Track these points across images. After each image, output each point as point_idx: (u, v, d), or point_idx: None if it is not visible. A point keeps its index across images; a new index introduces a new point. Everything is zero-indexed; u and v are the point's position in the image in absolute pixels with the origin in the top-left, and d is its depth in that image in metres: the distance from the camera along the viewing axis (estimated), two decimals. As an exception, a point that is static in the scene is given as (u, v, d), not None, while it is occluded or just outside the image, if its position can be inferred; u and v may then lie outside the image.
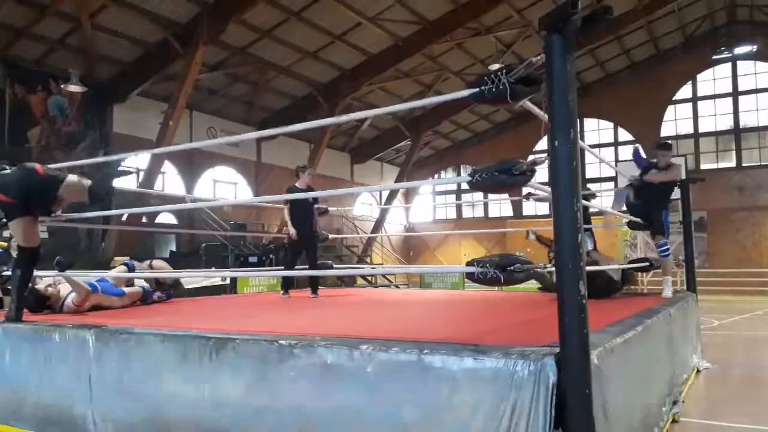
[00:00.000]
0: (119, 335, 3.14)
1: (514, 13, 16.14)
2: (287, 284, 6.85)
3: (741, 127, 21.44)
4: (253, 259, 13.80)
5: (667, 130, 22.33)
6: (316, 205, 7.19)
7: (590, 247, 6.01)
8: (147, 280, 5.21)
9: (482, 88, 2.39)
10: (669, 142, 6.27)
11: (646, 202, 5.79)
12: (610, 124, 23.33)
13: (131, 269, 5.23)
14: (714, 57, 21.36)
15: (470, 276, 2.46)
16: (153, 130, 14.33)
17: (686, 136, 21.84)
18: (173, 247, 16.24)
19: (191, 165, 17.42)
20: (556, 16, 2.13)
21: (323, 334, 2.76)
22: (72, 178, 3.98)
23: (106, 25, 13.17)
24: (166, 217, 15.97)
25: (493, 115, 23.61)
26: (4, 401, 3.48)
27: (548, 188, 2.28)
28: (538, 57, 2.25)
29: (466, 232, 23.66)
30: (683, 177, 6.54)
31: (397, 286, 18.51)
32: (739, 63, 21.42)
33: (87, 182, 4.04)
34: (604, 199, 20.43)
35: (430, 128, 22.36)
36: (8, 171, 3.89)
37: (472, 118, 23.48)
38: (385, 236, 24.25)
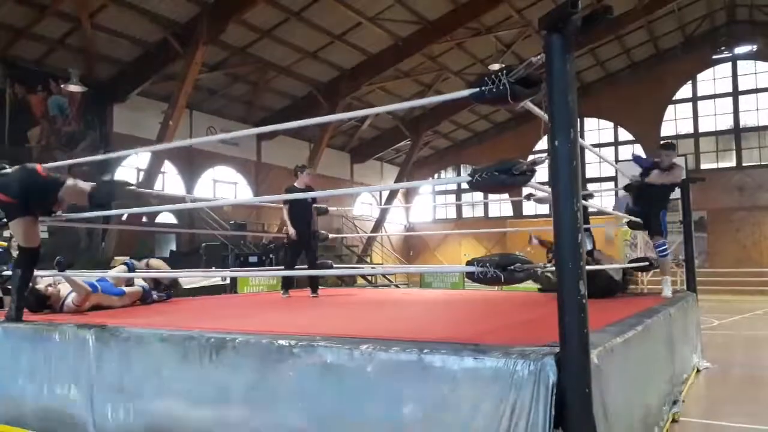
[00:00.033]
0: (119, 335, 3.14)
1: (514, 13, 16.14)
2: (287, 284, 6.85)
3: (741, 126, 21.44)
4: (253, 259, 13.81)
5: (667, 129, 22.34)
6: (316, 205, 7.20)
7: (589, 247, 6.01)
8: (146, 279, 5.21)
9: (482, 88, 2.39)
10: (673, 142, 6.25)
11: (646, 203, 5.78)
12: (610, 124, 23.34)
13: (131, 269, 5.23)
14: (714, 57, 21.36)
15: (470, 275, 2.45)
16: (153, 129, 14.33)
17: (686, 136, 21.84)
18: (173, 247, 16.25)
19: (191, 165, 17.43)
20: (556, 16, 2.13)
21: (323, 334, 2.76)
22: (73, 181, 3.99)
23: (105, 25, 13.18)
24: (166, 217, 15.98)
25: (493, 115, 23.61)
26: (4, 401, 3.49)
27: (548, 188, 2.28)
28: (538, 57, 2.25)
29: (466, 231, 23.67)
30: (683, 177, 6.53)
31: (397, 286, 18.52)
32: (739, 63, 21.42)
33: (87, 188, 4.05)
34: (603, 199, 20.51)
35: (430, 128, 22.37)
36: (8, 170, 3.90)
37: (472, 118, 23.49)
38: (385, 236, 24.25)
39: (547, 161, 2.27)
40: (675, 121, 22.36)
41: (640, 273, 8.39)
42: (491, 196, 19.11)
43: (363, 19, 15.07)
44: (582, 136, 18.79)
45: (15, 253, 5.04)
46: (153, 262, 5.68)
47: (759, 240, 20.56)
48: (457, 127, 23.90)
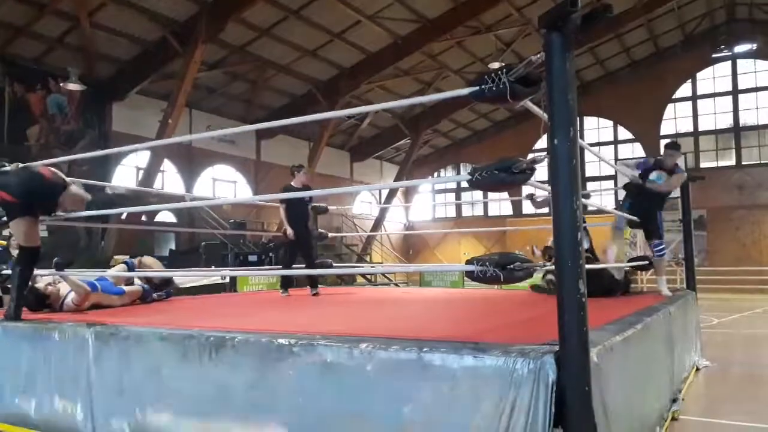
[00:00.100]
0: (119, 334, 3.14)
1: (514, 12, 16.13)
2: (286, 283, 6.86)
3: (741, 125, 21.43)
4: (252, 258, 13.82)
5: (666, 128, 22.35)
6: (315, 204, 7.19)
7: (586, 246, 6.00)
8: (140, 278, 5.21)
9: (482, 86, 2.39)
10: (678, 142, 6.19)
11: (644, 205, 5.73)
12: (610, 123, 23.34)
13: (131, 268, 5.22)
14: (714, 55, 21.36)
15: (470, 274, 2.46)
16: (152, 128, 14.32)
17: (686, 135, 21.82)
18: (173, 246, 16.25)
19: (191, 163, 17.42)
20: (555, 15, 2.13)
21: (323, 333, 2.76)
22: (74, 188, 4.05)
23: (104, 24, 13.16)
24: (165, 216, 15.97)
25: (493, 114, 23.60)
26: (4, 400, 3.49)
27: (548, 186, 2.28)
28: (538, 55, 2.25)
29: (465, 230, 23.68)
30: (684, 178, 6.49)
31: (396, 285, 18.51)
32: (739, 61, 21.42)
33: (87, 197, 4.15)
34: (603, 198, 20.52)
35: (430, 127, 22.36)
36: (7, 168, 3.90)
37: (472, 117, 23.48)
38: (384, 235, 24.25)
39: (546, 160, 2.27)
40: (675, 119, 22.37)
41: (639, 272, 8.38)
42: (491, 195, 19.14)
43: (362, 17, 15.06)
44: (582, 135, 18.84)
45: (14, 252, 5.05)
46: (146, 259, 5.66)
47: (758, 238, 20.57)
48: (456, 125, 23.90)
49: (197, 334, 2.88)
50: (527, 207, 23.36)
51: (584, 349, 2.12)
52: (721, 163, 21.62)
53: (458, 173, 25.57)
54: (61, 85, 13.65)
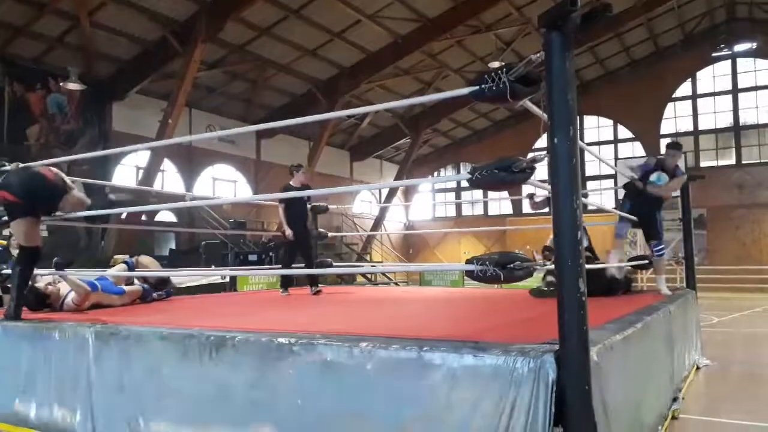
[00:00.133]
0: (119, 333, 3.14)
1: (514, 11, 16.12)
2: (286, 282, 6.85)
3: (741, 124, 21.42)
4: (252, 257, 13.81)
5: (666, 127, 22.34)
6: (316, 203, 7.19)
7: (585, 244, 5.98)
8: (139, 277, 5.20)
9: (482, 86, 2.39)
10: (680, 143, 6.17)
11: (644, 209, 5.71)
12: (610, 122, 23.33)
13: (131, 268, 5.22)
14: (714, 54, 21.35)
15: (470, 274, 2.46)
16: (152, 127, 14.32)
17: (686, 134, 21.82)
18: (173, 245, 16.24)
19: (190, 163, 17.42)
20: (555, 14, 2.13)
21: (323, 332, 2.76)
22: (76, 193, 4.07)
23: (104, 23, 13.15)
24: (165, 215, 15.97)
25: (493, 113, 23.59)
26: (4, 399, 3.49)
27: (548, 186, 2.28)
28: (538, 55, 2.25)
29: (465, 230, 23.67)
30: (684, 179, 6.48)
31: (396, 284, 18.51)
32: (739, 60, 21.40)
33: (87, 201, 4.18)
34: (603, 198, 20.51)
35: (430, 126, 22.36)
36: (8, 168, 3.91)
37: (472, 116, 23.47)
38: (384, 234, 24.25)
39: (546, 159, 2.27)
40: (675, 118, 22.35)
41: (639, 271, 8.39)
42: (491, 194, 19.13)
43: (362, 16, 15.05)
44: (582, 134, 18.83)
45: (14, 252, 5.05)
46: (142, 259, 5.66)
47: (758, 237, 20.56)
48: (456, 125, 23.89)
49: (197, 334, 2.88)
50: (527, 206, 23.34)
51: (584, 348, 2.12)
52: (721, 162, 21.61)
53: (458, 172, 25.54)
54: (60, 84, 13.65)
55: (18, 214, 3.87)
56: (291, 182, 6.88)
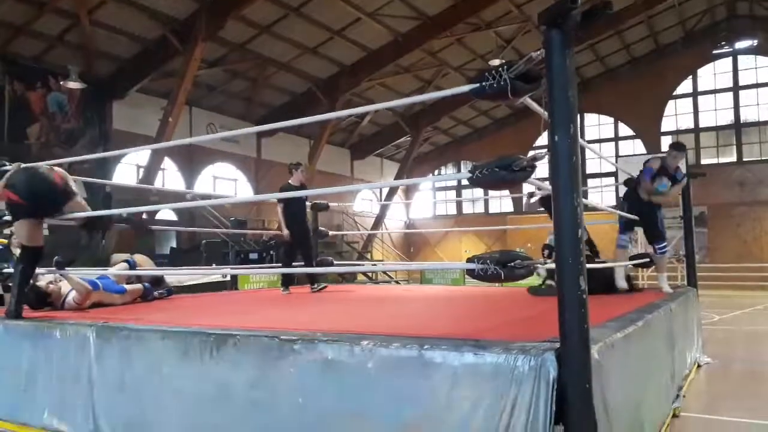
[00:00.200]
0: (120, 332, 3.14)
1: (514, 8, 16.11)
2: (287, 281, 6.85)
3: (742, 121, 21.41)
4: (253, 256, 13.81)
5: (667, 125, 22.32)
6: (317, 201, 7.18)
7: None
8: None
9: (483, 83, 2.38)
10: (683, 144, 6.13)
11: (644, 210, 5.69)
12: (611, 119, 23.31)
13: (132, 266, 5.22)
14: (714, 51, 21.33)
15: (471, 272, 2.45)
16: (152, 126, 14.32)
17: (687, 131, 21.82)
18: (174, 244, 16.25)
19: (191, 161, 17.42)
20: (555, 11, 2.13)
21: (324, 330, 2.76)
22: (79, 200, 4.09)
23: (104, 22, 13.15)
24: (166, 214, 15.97)
25: (493, 111, 23.58)
26: (5, 398, 3.49)
27: (548, 184, 2.28)
28: (538, 52, 2.25)
29: (466, 229, 23.67)
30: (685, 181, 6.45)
31: (397, 282, 18.51)
32: (740, 57, 21.39)
33: (88, 209, 4.20)
34: (604, 195, 20.52)
35: (430, 124, 22.35)
36: (9, 167, 3.91)
37: (472, 114, 23.46)
38: (385, 232, 24.26)
39: (547, 157, 2.27)
40: (675, 116, 22.33)
41: (640, 269, 8.37)
42: (491, 192, 19.12)
43: (362, 14, 15.04)
44: (582, 132, 18.82)
45: (15, 251, 5.05)
46: (137, 257, 5.66)
47: (760, 235, 20.55)
48: (457, 123, 23.88)
49: (198, 332, 2.89)
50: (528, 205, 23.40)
51: (585, 346, 2.12)
52: (722, 160, 21.60)
53: (459, 171, 25.55)
54: (61, 83, 13.65)
55: (21, 215, 3.88)
56: (290, 181, 6.88)
